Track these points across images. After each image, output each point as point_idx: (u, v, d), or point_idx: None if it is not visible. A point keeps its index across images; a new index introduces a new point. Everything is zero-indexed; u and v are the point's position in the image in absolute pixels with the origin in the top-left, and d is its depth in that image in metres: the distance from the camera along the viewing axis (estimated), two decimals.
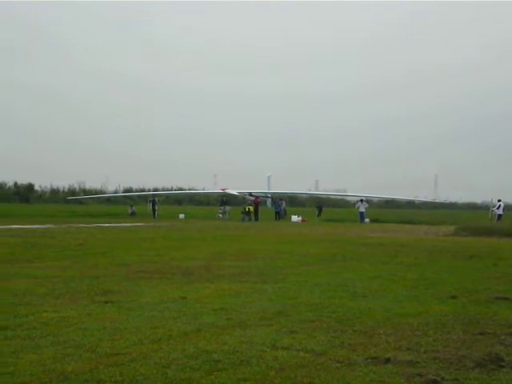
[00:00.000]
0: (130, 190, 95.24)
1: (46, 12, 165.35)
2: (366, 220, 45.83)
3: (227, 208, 51.90)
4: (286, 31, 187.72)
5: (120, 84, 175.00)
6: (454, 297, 10.13)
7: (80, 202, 76.69)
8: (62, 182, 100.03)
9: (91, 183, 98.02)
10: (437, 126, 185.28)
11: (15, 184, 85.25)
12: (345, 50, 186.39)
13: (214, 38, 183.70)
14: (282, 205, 51.59)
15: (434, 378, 5.67)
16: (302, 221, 46.81)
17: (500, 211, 40.04)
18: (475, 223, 32.09)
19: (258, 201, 50.12)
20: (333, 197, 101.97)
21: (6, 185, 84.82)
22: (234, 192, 52.71)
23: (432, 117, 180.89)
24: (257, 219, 46.90)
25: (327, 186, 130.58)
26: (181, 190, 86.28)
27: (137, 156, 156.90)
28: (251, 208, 47.31)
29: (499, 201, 40.78)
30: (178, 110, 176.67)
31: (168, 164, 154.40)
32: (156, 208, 48.94)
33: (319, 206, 60.26)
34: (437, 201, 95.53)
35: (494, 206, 41.18)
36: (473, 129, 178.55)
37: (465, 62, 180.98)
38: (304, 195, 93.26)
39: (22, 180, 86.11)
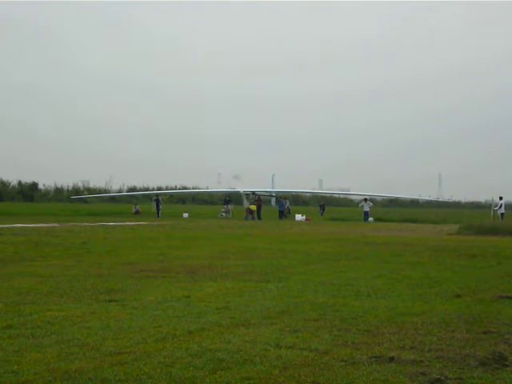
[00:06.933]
0: (134, 189, 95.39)
1: (46, 13, 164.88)
2: (370, 219, 45.82)
3: (230, 207, 51.92)
4: (287, 33, 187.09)
5: (121, 85, 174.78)
6: (457, 296, 10.13)
7: (84, 201, 76.81)
8: (67, 181, 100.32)
9: (95, 182, 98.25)
10: (439, 128, 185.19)
11: (19, 183, 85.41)
12: (347, 52, 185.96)
13: (215, 40, 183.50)
14: (286, 204, 51.55)
15: (438, 376, 5.67)
16: (307, 219, 46.79)
17: (502, 210, 39.88)
18: (479, 222, 32.03)
19: (260, 200, 50.06)
20: (337, 196, 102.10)
21: (9, 184, 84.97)
22: (244, 190, 51.95)
23: (435, 118, 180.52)
24: (259, 218, 46.87)
25: (331, 185, 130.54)
26: (185, 188, 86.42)
27: (140, 156, 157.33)
28: (254, 207, 47.26)
29: (501, 198, 40.55)
30: (179, 111, 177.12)
31: (171, 163, 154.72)
32: (160, 207, 48.92)
33: (322, 204, 60.36)
34: (440, 200, 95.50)
35: (496, 205, 40.96)
36: (477, 130, 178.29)
37: (467, 63, 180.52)
38: (308, 194, 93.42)
39: (26, 180, 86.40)
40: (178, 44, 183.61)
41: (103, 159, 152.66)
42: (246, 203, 49.68)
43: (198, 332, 7.22)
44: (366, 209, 46.57)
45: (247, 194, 50.94)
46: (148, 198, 65.61)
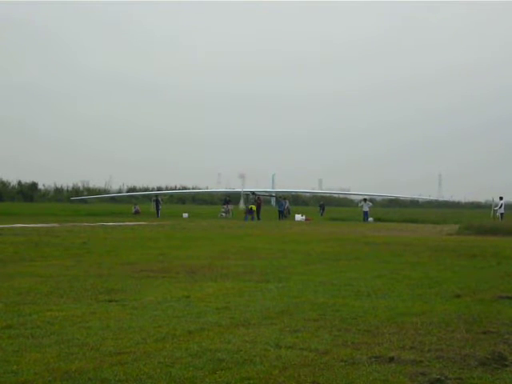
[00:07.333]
0: (133, 189, 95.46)
1: (45, 13, 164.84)
2: (370, 219, 45.82)
3: (230, 207, 51.97)
4: (287, 33, 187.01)
5: (121, 85, 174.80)
6: (457, 296, 10.13)
7: (84, 201, 76.85)
8: (66, 181, 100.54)
9: (95, 182, 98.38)
10: (439, 128, 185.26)
11: (19, 183, 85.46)
12: (347, 52, 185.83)
13: (215, 40, 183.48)
14: (286, 204, 51.57)
15: (438, 377, 5.67)
16: (306, 219, 46.80)
17: (502, 210, 39.85)
18: (479, 222, 32.04)
19: (260, 200, 50.11)
20: (337, 196, 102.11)
21: (9, 184, 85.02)
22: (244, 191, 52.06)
23: (435, 118, 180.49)
24: (259, 218, 46.85)
25: (331, 185, 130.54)
26: (185, 188, 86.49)
27: (140, 156, 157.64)
28: (254, 207, 47.24)
29: (501, 198, 40.51)
30: (179, 111, 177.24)
31: (171, 163, 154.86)
32: (160, 207, 48.96)
33: (321, 204, 60.40)
34: (440, 199, 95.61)
35: (496, 205, 40.91)
36: (477, 130, 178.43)
37: (467, 63, 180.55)
38: (308, 194, 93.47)
39: (26, 180, 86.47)
40: (178, 44, 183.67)
41: (103, 159, 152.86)
42: (241, 204, 49.89)
43: (197, 332, 7.22)
44: (366, 209, 46.57)
45: (247, 195, 51.01)
46: (148, 198, 65.72)
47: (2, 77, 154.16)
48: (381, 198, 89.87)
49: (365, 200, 47.80)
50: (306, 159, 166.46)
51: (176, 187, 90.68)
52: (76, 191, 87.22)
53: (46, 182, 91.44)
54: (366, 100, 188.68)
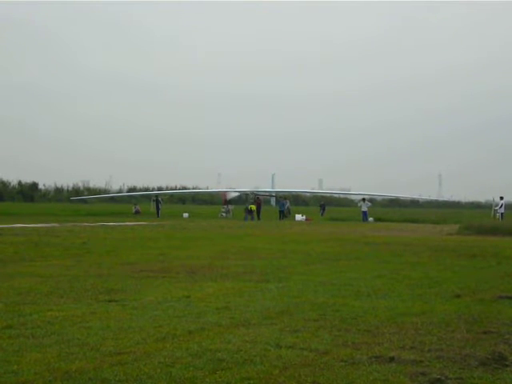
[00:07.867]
0: (134, 189, 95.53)
1: (45, 13, 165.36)
2: (370, 219, 45.80)
3: (230, 207, 52.00)
4: (287, 33, 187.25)
5: (121, 85, 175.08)
6: (457, 296, 10.12)
7: (84, 201, 76.88)
8: (67, 181, 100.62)
9: (95, 182, 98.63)
10: (439, 128, 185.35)
11: (19, 183, 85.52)
12: (347, 52, 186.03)
13: (215, 40, 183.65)
14: (286, 204, 51.56)
15: (438, 376, 5.67)
16: (307, 219, 46.80)
17: (502, 209, 39.84)
18: (479, 222, 32.02)
19: (259, 200, 50.20)
20: (337, 196, 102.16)
21: (9, 184, 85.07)
22: (234, 194, 53.04)
23: (435, 118, 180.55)
24: (259, 218, 46.84)
25: (331, 185, 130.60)
26: (185, 188, 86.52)
27: (140, 156, 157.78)
28: (253, 207, 47.23)
29: (502, 198, 40.48)
30: (179, 111, 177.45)
31: (171, 163, 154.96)
32: (160, 207, 48.96)
33: (322, 204, 60.32)
34: (440, 199, 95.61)
35: (496, 205, 40.88)
36: (477, 130, 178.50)
37: (467, 63, 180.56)
38: (308, 194, 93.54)
39: (26, 180, 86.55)
40: (178, 44, 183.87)
41: (103, 159, 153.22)
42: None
43: (197, 332, 7.22)
44: (364, 209, 46.51)
45: (246, 195, 51.09)
46: (147, 198, 65.72)
47: (2, 77, 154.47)
48: (381, 197, 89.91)
49: (363, 200, 47.79)
50: (305, 159, 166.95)
51: (176, 187, 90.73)
52: (76, 191, 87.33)
53: (46, 182, 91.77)
54: (366, 100, 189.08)
